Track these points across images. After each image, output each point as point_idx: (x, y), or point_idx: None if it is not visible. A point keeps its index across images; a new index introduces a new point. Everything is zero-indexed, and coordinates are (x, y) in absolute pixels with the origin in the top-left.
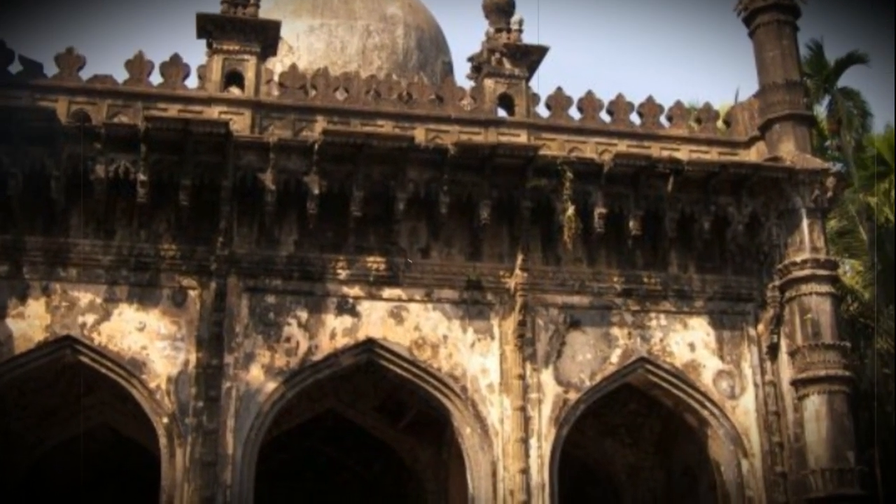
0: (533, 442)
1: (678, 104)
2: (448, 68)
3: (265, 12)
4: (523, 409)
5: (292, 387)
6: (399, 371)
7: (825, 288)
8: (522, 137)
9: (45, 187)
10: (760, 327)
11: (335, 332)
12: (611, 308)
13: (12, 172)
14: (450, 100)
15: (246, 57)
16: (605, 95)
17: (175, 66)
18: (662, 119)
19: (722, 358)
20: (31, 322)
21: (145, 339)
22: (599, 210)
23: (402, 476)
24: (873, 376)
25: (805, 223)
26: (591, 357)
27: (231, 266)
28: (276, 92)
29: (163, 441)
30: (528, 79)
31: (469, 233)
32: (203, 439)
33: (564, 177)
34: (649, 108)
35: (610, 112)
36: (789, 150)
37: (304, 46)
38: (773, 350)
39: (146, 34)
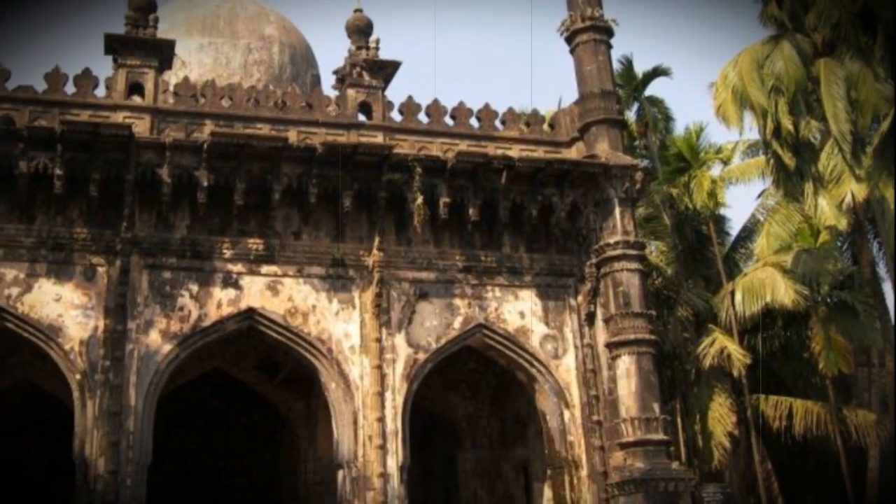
0: (388, 395)
1: (510, 110)
2: (316, 80)
3: (162, 32)
4: (380, 367)
5: (185, 349)
6: (275, 335)
7: (634, 265)
8: (379, 138)
9: None
10: (580, 298)
11: (221, 302)
12: (453, 282)
13: None
14: (318, 106)
15: (146, 70)
16: (449, 102)
17: (86, 78)
18: (497, 122)
19: (547, 324)
20: None
21: (61, 308)
22: (444, 200)
23: (277, 424)
24: (675, 339)
25: (617, 210)
26: (437, 323)
27: (133, 247)
28: (171, 100)
29: (76, 394)
30: (384, 88)
31: (334, 218)
32: (110, 393)
33: (414, 171)
34: (486, 113)
35: (453, 117)
36: (604, 148)
37: (195, 61)
38: (591, 317)
39: (62, 51)
